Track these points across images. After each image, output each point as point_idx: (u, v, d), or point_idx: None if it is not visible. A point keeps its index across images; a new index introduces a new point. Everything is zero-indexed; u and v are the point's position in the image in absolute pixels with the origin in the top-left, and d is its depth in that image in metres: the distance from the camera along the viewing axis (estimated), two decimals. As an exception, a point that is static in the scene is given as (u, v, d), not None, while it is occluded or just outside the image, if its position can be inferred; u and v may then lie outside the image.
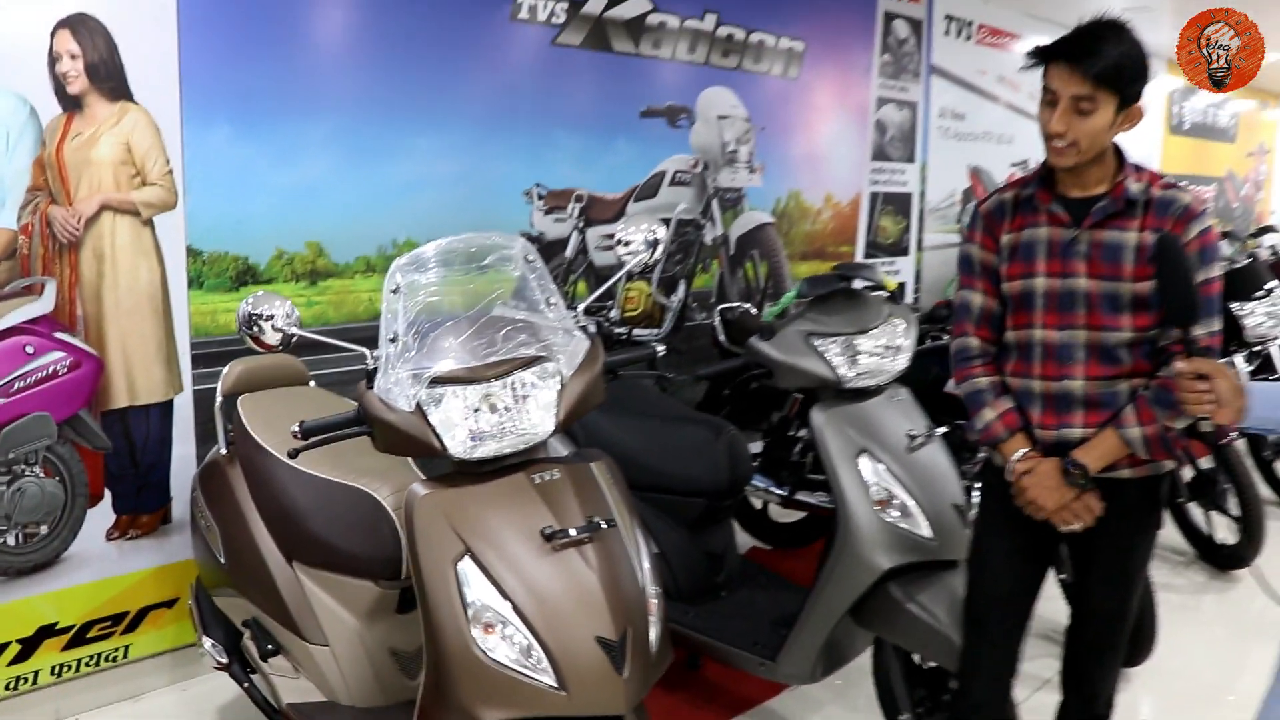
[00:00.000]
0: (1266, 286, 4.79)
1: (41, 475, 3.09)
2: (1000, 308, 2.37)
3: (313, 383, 3.19)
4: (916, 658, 2.93)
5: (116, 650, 3.31)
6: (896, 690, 2.97)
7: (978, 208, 2.42)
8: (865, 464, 2.85)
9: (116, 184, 3.13)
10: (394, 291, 2.12)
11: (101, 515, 3.23)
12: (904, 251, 6.36)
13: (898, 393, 3.04)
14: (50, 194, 3.03)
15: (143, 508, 3.31)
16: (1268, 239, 6.57)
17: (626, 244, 2.52)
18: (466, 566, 1.95)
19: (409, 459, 2.72)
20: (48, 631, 3.15)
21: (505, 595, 1.93)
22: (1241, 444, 4.41)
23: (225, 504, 2.81)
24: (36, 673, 3.15)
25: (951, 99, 6.69)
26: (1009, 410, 2.32)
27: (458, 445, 2.01)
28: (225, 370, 3.02)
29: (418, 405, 2.01)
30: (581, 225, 4.54)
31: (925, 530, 2.79)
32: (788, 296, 3.35)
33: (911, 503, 2.81)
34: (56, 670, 3.19)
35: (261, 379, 3.05)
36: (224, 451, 2.90)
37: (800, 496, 4.16)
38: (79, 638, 3.22)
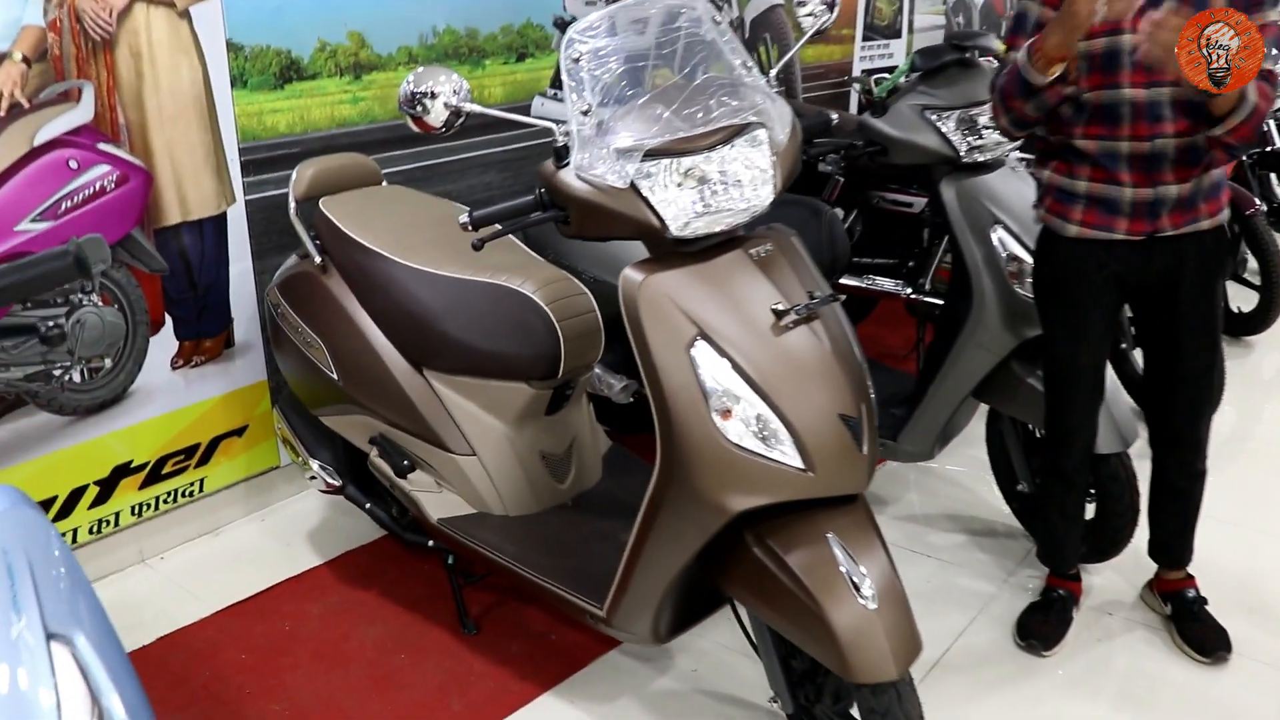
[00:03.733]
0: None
1: (100, 304, 2.82)
2: None
3: (385, 181, 2.95)
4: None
5: (192, 484, 3.12)
6: (1016, 461, 2.99)
7: None
8: (997, 236, 2.76)
9: (144, -31, 2.76)
10: (576, 61, 1.89)
11: (163, 344, 2.98)
12: (897, 34, 6.15)
13: (1015, 164, 2.94)
14: (75, -18, 2.65)
15: (205, 332, 3.06)
16: None
17: (804, 5, 2.31)
18: (701, 350, 1.81)
19: (532, 253, 2.54)
20: (123, 471, 2.94)
21: (745, 377, 1.80)
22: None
23: (328, 315, 2.61)
24: (117, 514, 2.96)
25: None
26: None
27: (677, 223, 1.83)
28: (295, 174, 2.76)
29: (631, 182, 1.82)
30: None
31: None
32: (899, 70, 3.18)
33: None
34: (136, 510, 3.00)
35: (335, 181, 2.80)
36: (317, 260, 2.67)
37: (844, 280, 4.08)
38: (154, 475, 3.01)
